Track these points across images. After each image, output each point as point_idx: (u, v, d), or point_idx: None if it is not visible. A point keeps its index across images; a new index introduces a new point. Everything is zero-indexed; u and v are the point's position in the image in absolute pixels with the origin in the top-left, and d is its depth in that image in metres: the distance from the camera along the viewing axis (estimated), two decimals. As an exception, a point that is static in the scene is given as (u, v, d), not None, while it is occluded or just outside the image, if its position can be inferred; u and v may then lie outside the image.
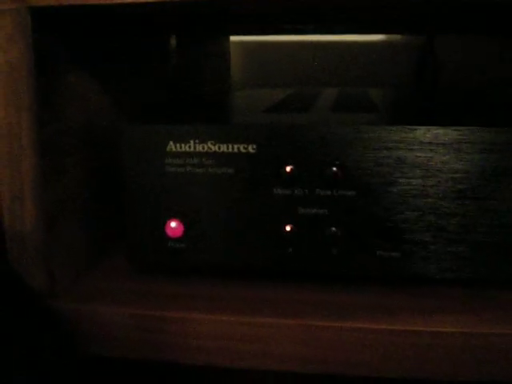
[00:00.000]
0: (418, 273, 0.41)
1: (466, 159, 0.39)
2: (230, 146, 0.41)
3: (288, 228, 0.41)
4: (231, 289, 0.43)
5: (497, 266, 0.40)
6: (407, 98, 0.63)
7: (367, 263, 0.41)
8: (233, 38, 0.84)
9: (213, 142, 0.41)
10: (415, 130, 0.39)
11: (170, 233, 0.43)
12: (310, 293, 0.42)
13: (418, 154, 0.39)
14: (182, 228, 0.42)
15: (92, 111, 0.47)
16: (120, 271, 0.46)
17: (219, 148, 0.41)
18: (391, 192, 0.40)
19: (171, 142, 0.41)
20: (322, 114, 0.48)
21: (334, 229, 0.41)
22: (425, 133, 0.39)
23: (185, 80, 0.70)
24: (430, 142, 0.39)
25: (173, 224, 0.42)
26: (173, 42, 0.64)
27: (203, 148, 0.41)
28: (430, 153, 0.39)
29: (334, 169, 0.40)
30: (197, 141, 0.41)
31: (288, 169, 0.40)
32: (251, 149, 0.41)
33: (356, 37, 0.79)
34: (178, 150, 0.41)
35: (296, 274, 0.43)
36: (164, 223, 0.42)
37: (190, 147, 0.41)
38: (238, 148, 0.41)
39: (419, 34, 0.77)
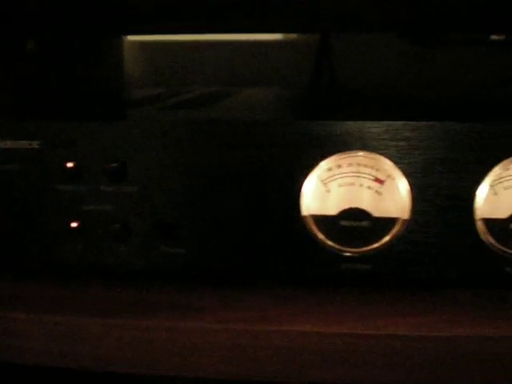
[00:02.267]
0: (203, 269, 0.41)
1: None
2: (15, 142, 0.41)
3: (74, 224, 0.41)
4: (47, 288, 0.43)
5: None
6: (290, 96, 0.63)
7: (153, 259, 0.41)
8: (130, 38, 0.84)
9: (-3, 138, 0.41)
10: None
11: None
12: (103, 289, 0.42)
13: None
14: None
15: None
16: None
17: (5, 144, 0.41)
18: (174, 188, 0.40)
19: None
20: (143, 111, 0.48)
21: (118, 225, 0.41)
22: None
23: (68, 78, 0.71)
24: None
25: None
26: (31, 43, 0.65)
27: (-12, 144, 0.41)
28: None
29: (116, 165, 0.40)
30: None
31: (71, 165, 0.41)
32: (36, 145, 0.41)
33: (253, 36, 0.79)
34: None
35: (87, 270, 0.43)
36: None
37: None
38: (23, 144, 0.41)
39: (314, 33, 0.77)
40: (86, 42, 0.75)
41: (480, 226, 0.38)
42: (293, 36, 0.79)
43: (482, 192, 0.38)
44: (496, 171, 0.38)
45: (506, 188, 0.38)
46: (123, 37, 0.83)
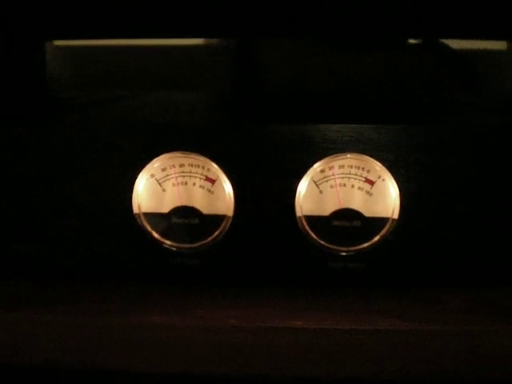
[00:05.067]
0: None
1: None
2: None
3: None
4: None
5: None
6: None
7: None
8: (57, 43, 0.80)
9: None
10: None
11: None
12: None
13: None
14: None
15: None
16: None
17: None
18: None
19: None
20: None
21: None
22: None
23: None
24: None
25: None
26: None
27: None
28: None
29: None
30: None
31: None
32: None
33: (175, 41, 0.78)
34: None
35: None
36: None
37: None
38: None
39: (236, 37, 0.77)
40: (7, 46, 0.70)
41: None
42: (217, 40, 0.79)
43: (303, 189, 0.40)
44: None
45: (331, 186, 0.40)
46: (47, 41, 0.78)
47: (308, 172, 0.40)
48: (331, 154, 0.40)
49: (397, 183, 0.40)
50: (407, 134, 0.39)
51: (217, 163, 0.40)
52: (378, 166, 0.40)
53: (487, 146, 0.40)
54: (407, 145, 0.39)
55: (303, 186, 0.40)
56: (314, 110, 0.51)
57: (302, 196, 0.40)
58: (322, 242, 0.40)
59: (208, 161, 0.40)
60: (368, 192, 0.40)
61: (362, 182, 0.40)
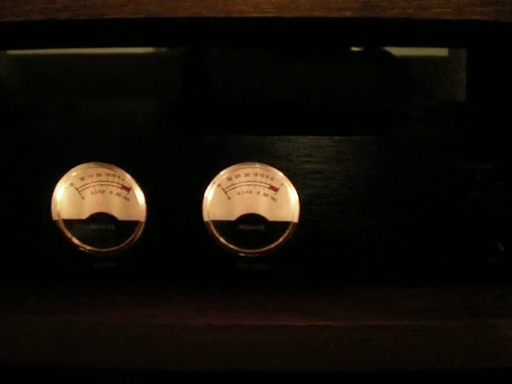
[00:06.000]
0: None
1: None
2: None
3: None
4: None
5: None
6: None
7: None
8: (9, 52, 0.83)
9: None
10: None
11: None
12: None
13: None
14: None
15: None
16: None
17: None
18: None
19: None
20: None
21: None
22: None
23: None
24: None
25: None
26: None
27: None
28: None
29: None
30: None
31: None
32: None
33: (125, 50, 0.80)
34: None
35: None
36: None
37: None
38: None
39: (187, 46, 0.80)
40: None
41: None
42: (165, 49, 0.81)
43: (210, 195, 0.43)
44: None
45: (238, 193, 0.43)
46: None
47: (215, 180, 0.43)
48: (237, 163, 0.43)
49: (296, 190, 0.43)
50: (299, 144, 0.43)
51: (129, 173, 0.43)
52: (279, 175, 0.43)
53: (374, 154, 0.43)
54: (303, 154, 0.43)
55: (210, 193, 0.43)
56: (231, 121, 0.54)
57: (209, 202, 0.43)
58: (229, 245, 0.43)
59: (122, 171, 0.43)
60: (273, 198, 0.43)
61: (266, 189, 0.43)
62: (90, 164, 0.43)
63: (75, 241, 0.43)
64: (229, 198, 0.43)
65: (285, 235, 0.43)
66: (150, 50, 0.81)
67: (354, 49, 0.78)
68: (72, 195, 0.43)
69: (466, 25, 0.41)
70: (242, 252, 0.43)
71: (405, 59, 0.78)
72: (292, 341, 0.40)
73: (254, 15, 0.38)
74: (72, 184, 0.43)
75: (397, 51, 0.77)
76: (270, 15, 0.38)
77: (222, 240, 0.43)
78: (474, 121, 0.64)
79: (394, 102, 0.67)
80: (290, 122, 0.52)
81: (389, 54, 0.78)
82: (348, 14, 0.38)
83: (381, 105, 0.63)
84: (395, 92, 0.77)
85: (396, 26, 0.44)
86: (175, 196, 0.43)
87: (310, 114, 0.57)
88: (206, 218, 0.43)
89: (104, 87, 0.81)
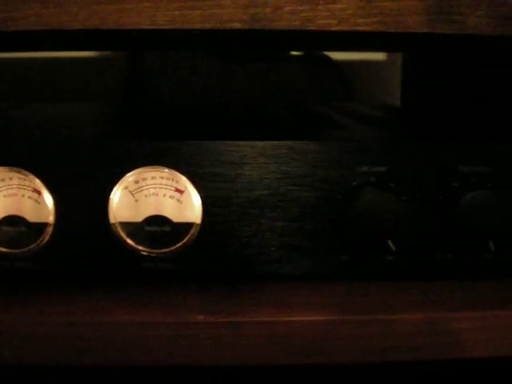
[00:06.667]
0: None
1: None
2: None
3: None
4: None
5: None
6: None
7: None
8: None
9: None
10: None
11: None
12: None
13: None
14: None
15: None
16: None
17: None
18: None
19: None
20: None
21: None
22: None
23: None
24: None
25: None
26: None
27: None
28: None
29: None
30: None
31: None
32: None
33: (66, 53, 0.82)
34: None
35: None
36: None
37: None
38: None
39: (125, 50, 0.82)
40: None
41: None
42: (107, 53, 0.83)
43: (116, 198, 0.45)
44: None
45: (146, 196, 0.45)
46: None
47: (121, 182, 0.45)
48: (144, 166, 0.45)
49: (199, 193, 0.45)
50: (203, 148, 0.45)
51: (38, 176, 0.45)
52: (183, 178, 0.45)
53: (274, 158, 0.45)
54: (206, 159, 0.45)
55: (117, 196, 0.45)
56: (139, 125, 0.56)
57: (115, 204, 0.45)
58: (136, 246, 0.45)
59: (32, 175, 0.45)
60: (178, 200, 0.45)
61: (172, 191, 0.45)
62: (4, 168, 0.45)
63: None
64: (136, 201, 0.45)
65: (189, 236, 0.45)
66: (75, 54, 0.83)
67: (294, 53, 0.80)
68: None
69: (352, 35, 0.43)
70: (148, 252, 0.45)
71: (342, 63, 0.80)
72: (195, 336, 0.42)
73: (149, 27, 0.40)
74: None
75: (334, 55, 0.80)
76: (165, 27, 0.40)
77: (128, 241, 0.45)
78: (406, 125, 0.66)
79: (316, 105, 0.69)
80: (198, 126, 0.54)
81: (326, 57, 0.80)
82: (237, 25, 0.40)
83: (299, 108, 0.66)
84: (329, 95, 0.79)
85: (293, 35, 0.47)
86: (82, 199, 0.45)
87: (224, 118, 0.60)
88: (112, 220, 0.45)
89: (34, 90, 0.82)
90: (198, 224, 0.45)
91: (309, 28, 0.41)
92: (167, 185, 0.45)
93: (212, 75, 0.78)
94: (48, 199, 0.45)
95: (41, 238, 0.45)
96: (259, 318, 0.43)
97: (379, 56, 0.81)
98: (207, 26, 0.40)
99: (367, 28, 0.41)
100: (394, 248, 0.44)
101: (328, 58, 0.79)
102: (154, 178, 0.45)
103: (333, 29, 0.41)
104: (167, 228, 0.45)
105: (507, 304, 0.44)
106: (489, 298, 0.46)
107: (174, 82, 0.79)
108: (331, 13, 0.40)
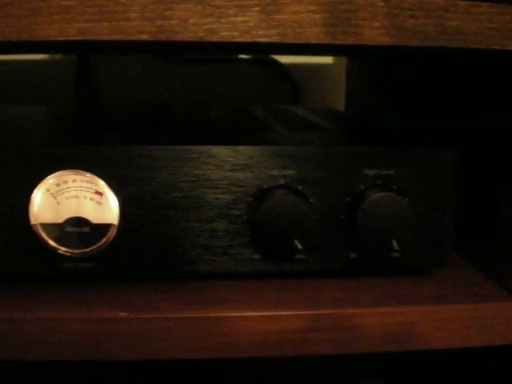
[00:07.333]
0: None
1: None
2: None
3: None
4: None
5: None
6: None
7: None
8: None
9: None
10: None
11: None
12: None
13: None
14: None
15: None
16: None
17: None
18: None
19: None
20: None
21: None
22: None
23: None
24: None
25: None
26: None
27: None
28: None
29: None
30: None
31: None
32: None
33: (17, 56, 0.84)
34: None
35: None
36: None
37: None
38: None
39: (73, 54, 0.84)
40: None
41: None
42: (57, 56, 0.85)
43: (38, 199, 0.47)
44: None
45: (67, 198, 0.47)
46: None
47: (42, 184, 0.47)
48: (65, 169, 0.47)
49: (116, 195, 0.47)
50: (118, 152, 0.47)
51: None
52: (101, 182, 0.47)
53: (190, 161, 0.47)
54: (123, 162, 0.47)
55: (38, 197, 0.47)
56: (62, 130, 0.58)
57: (36, 206, 0.47)
58: (57, 246, 0.47)
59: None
60: (98, 202, 0.47)
61: (92, 194, 0.47)
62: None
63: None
64: (58, 203, 0.47)
65: (107, 236, 0.47)
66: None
67: (242, 56, 0.82)
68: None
69: (254, 45, 0.45)
70: (69, 252, 0.47)
71: (288, 66, 0.83)
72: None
73: (59, 38, 0.42)
74: None
75: (281, 58, 0.82)
76: (74, 38, 0.42)
77: (49, 242, 0.47)
78: (349, 128, 0.68)
79: (254, 108, 0.71)
80: (123, 131, 0.57)
81: (273, 60, 0.82)
82: (145, 37, 0.42)
83: (235, 111, 0.68)
84: (276, 99, 0.81)
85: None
86: (3, 200, 0.47)
87: (154, 122, 0.62)
88: (33, 221, 0.47)
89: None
90: (115, 225, 0.47)
91: (213, 39, 0.43)
92: (87, 187, 0.47)
93: (157, 78, 0.80)
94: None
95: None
96: (178, 315, 0.45)
97: (327, 60, 0.83)
98: (115, 37, 0.42)
99: (268, 39, 0.43)
100: (300, 247, 0.47)
101: (275, 62, 0.81)
102: (74, 180, 0.47)
103: (235, 40, 0.43)
104: (87, 229, 0.47)
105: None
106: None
107: (117, 85, 0.81)
108: (233, 25, 0.43)
